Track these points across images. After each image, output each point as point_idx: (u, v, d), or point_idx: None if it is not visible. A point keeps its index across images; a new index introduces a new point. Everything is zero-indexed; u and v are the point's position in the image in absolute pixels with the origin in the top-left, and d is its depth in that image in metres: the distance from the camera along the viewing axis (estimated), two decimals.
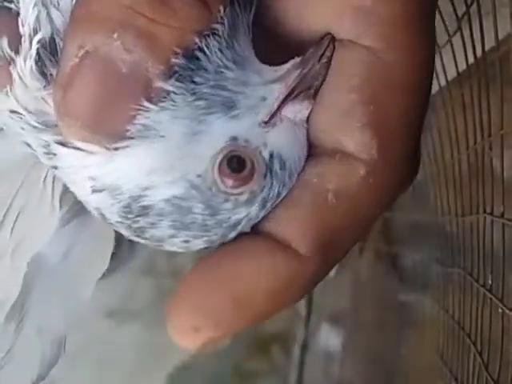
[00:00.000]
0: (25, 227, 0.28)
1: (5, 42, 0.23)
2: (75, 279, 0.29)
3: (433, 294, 0.64)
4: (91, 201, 0.25)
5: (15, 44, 0.23)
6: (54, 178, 0.27)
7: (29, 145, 0.25)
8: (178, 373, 0.70)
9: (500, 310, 0.40)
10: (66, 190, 0.27)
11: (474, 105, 0.45)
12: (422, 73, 0.24)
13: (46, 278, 0.29)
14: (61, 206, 0.28)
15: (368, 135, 0.24)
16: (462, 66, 0.47)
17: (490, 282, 0.45)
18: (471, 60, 0.44)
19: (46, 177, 0.27)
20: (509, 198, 0.41)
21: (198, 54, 0.22)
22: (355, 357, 0.66)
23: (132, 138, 0.23)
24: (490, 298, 0.44)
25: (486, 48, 0.42)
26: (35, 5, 0.22)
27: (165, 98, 0.22)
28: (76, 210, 0.28)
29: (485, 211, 0.45)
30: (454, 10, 0.44)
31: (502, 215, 0.42)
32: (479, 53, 0.43)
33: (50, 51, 0.23)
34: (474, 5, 0.42)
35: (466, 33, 0.43)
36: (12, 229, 0.28)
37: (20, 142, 0.25)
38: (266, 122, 0.24)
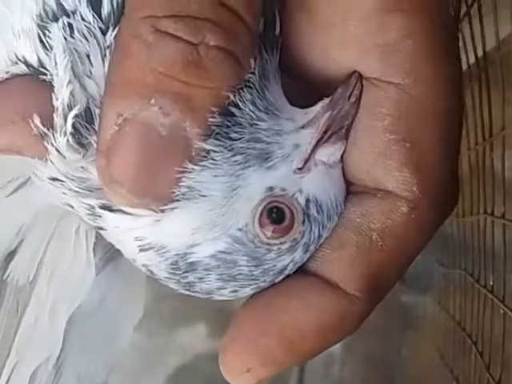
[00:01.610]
0: (60, 282, 0.28)
1: (37, 119, 0.23)
2: (112, 326, 0.30)
3: (434, 295, 0.65)
4: (139, 259, 0.25)
5: (48, 119, 0.23)
6: (85, 231, 0.28)
7: (72, 206, 0.25)
8: (177, 374, 0.71)
9: (501, 311, 0.40)
10: (98, 238, 0.27)
11: (475, 105, 0.45)
12: (452, 102, 0.25)
13: (83, 326, 0.29)
14: (94, 254, 0.28)
15: (407, 173, 0.24)
16: (463, 67, 0.47)
17: (491, 282, 0.46)
18: (472, 60, 0.44)
19: (78, 228, 0.28)
20: (510, 199, 0.42)
21: (233, 109, 0.23)
22: (356, 358, 0.66)
23: (178, 199, 0.23)
24: (492, 299, 0.44)
25: (487, 48, 0.43)
26: (69, 82, 0.23)
27: (205, 157, 0.23)
28: (108, 256, 0.29)
29: (485, 212, 0.46)
30: (454, 10, 0.44)
31: (503, 216, 0.43)
32: (480, 53, 0.43)
33: (86, 120, 0.23)
34: (475, 5, 0.42)
35: (467, 33, 0.43)
36: (48, 283, 0.28)
37: (62, 203, 0.25)
38: (300, 169, 0.25)
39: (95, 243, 0.28)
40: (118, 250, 0.26)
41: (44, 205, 0.27)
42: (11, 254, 0.28)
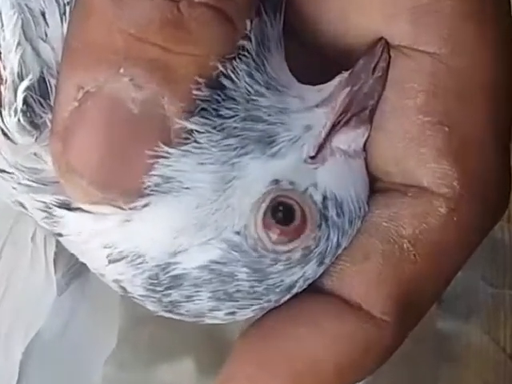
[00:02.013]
0: (15, 304, 0.28)
1: None
2: (78, 359, 0.30)
3: (479, 321, 0.64)
4: (109, 272, 0.25)
5: None
6: (44, 239, 0.28)
7: (24, 206, 0.25)
8: None
9: None
10: (59, 248, 0.28)
11: None
12: (501, 74, 0.25)
13: (43, 357, 0.29)
14: (55, 271, 0.28)
15: (446, 164, 0.24)
16: None
17: None
18: None
19: (34, 235, 0.28)
20: None
21: (224, 81, 0.23)
22: None
23: (151, 193, 0.23)
24: None
25: None
26: (19, 45, 0.23)
27: (187, 139, 0.23)
28: (73, 271, 0.29)
29: None
30: None
31: None
32: None
33: (40, 94, 0.23)
34: None
35: None
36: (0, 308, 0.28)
37: (12, 201, 0.25)
38: (313, 157, 0.25)
39: (56, 255, 0.28)
40: (84, 264, 0.26)
41: None
42: None
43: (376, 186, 0.26)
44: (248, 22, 0.23)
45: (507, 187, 0.26)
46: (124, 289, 0.26)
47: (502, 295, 0.55)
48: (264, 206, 0.24)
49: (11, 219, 0.28)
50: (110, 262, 0.25)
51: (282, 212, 0.24)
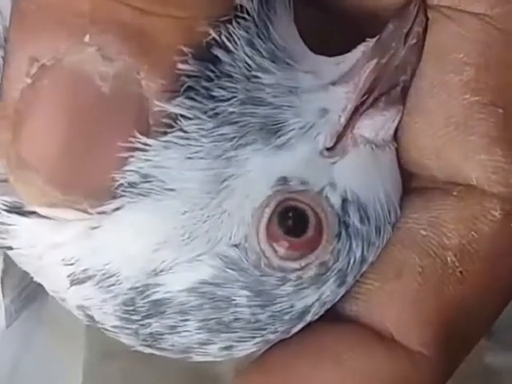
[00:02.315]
0: None
1: None
2: None
3: None
4: (71, 297, 0.25)
5: None
6: None
7: None
8: None
9: None
10: (7, 267, 0.28)
11: None
12: None
13: None
14: (3, 294, 0.28)
15: (500, 155, 0.24)
16: None
17: None
18: None
19: None
20: None
21: (217, 52, 0.23)
22: None
23: (125, 194, 0.23)
24: None
25: None
26: None
27: (171, 127, 0.23)
28: (26, 296, 0.29)
29: None
30: None
31: None
32: None
33: None
34: None
35: None
36: None
37: None
38: (330, 149, 0.24)
39: (3, 274, 0.28)
40: (40, 285, 0.26)
41: None
42: None
43: (411, 184, 0.26)
44: None
45: None
46: (91, 317, 0.25)
47: None
48: (268, 211, 0.24)
49: None
50: (73, 283, 0.25)
51: (292, 219, 0.24)
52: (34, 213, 0.24)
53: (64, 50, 0.21)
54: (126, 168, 0.22)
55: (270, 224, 0.24)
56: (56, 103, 0.22)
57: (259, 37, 0.24)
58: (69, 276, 0.24)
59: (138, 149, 0.22)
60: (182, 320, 0.25)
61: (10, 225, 0.25)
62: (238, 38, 0.23)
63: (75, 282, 0.24)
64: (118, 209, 0.23)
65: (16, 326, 0.29)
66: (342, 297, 0.25)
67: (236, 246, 0.24)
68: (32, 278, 0.26)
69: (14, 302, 0.29)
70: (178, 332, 0.25)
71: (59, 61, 0.21)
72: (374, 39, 0.25)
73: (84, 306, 0.25)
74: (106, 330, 0.26)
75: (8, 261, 0.27)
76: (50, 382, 0.31)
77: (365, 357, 0.25)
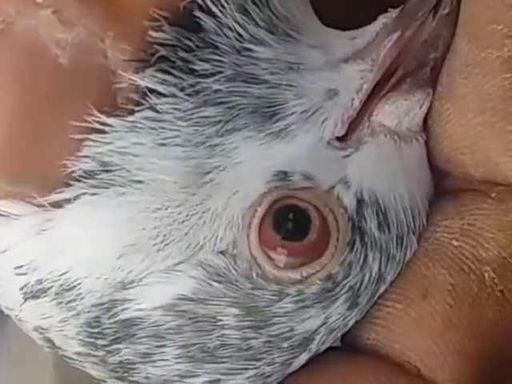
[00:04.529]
0: None
1: None
2: None
3: None
4: (26, 316, 0.22)
5: None
6: None
7: None
8: None
9: None
10: None
11: None
12: None
13: None
14: None
15: None
16: None
17: None
18: None
19: None
20: None
21: (200, 16, 0.20)
22: None
23: (82, 185, 0.20)
24: None
25: None
26: None
27: (139, 104, 0.20)
28: None
29: None
30: None
31: None
32: None
33: None
34: None
35: None
36: None
37: None
38: (341, 139, 0.21)
39: None
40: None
41: None
42: None
43: (443, 184, 0.23)
44: None
45: None
46: (51, 342, 0.22)
47: None
48: (261, 211, 0.20)
49: None
50: (27, 296, 0.21)
51: (291, 221, 0.21)
52: None
53: (14, 12, 0.19)
54: (82, 153, 0.19)
55: (263, 226, 0.20)
56: (3, 76, 0.19)
57: (254, 2, 0.20)
58: (22, 288, 0.21)
59: (96, 130, 0.19)
60: (157, 346, 0.21)
61: None
62: (227, 1, 0.20)
63: (29, 295, 0.21)
64: (71, 200, 0.20)
65: None
66: (356, 323, 0.22)
67: (222, 252, 0.20)
68: None
69: None
70: (153, 361, 0.21)
71: (9, 25, 0.19)
72: (398, 9, 0.21)
73: (42, 327, 0.22)
74: (69, 358, 0.22)
75: None
76: None
77: None
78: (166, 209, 0.20)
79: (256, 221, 0.20)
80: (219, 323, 0.21)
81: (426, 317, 0.21)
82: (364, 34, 0.21)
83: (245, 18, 0.20)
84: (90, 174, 0.19)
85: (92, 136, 0.19)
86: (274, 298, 0.21)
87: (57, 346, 0.22)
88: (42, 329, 0.22)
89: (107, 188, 0.20)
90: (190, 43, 0.20)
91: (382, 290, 0.21)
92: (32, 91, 0.19)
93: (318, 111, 0.21)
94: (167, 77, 0.20)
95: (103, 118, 0.19)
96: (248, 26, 0.20)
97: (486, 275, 0.21)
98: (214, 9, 0.20)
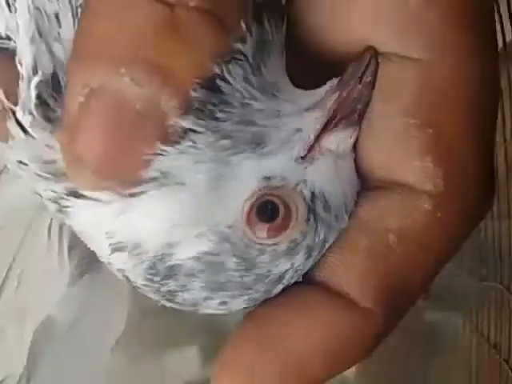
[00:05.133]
0: (30, 288, 0.29)
1: (1, 93, 0.23)
2: (88, 346, 0.30)
3: (464, 313, 0.65)
4: (114, 262, 0.25)
5: (13, 91, 0.23)
6: (60, 228, 0.28)
7: (41, 196, 0.25)
8: None
9: None
10: (74, 240, 0.28)
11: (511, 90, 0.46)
12: (483, 82, 0.25)
13: (56, 347, 0.30)
14: (70, 260, 0.29)
15: (430, 162, 0.24)
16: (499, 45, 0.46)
17: None
18: (509, 38, 0.44)
19: (50, 227, 0.28)
20: None
21: (220, 83, 0.23)
22: None
23: (149, 186, 0.23)
24: None
25: None
26: (32, 41, 0.23)
27: (183, 138, 0.23)
28: (86, 263, 0.29)
29: None
30: None
31: None
32: None
33: (53, 89, 0.23)
34: None
35: (504, 8, 0.43)
36: (15, 290, 0.28)
37: (32, 192, 0.25)
38: (303, 157, 0.24)
39: (70, 245, 0.28)
40: (95, 254, 0.26)
41: (16, 201, 0.27)
42: None
43: (364, 185, 0.25)
44: (243, 25, 0.23)
45: (490, 188, 0.26)
46: (127, 278, 0.25)
47: (486, 288, 0.55)
48: (249, 203, 0.24)
49: (31, 212, 0.28)
50: (113, 250, 0.25)
51: (266, 210, 0.24)
52: (84, 196, 0.24)
53: (107, 77, 0.21)
54: (151, 167, 0.22)
55: (251, 212, 0.24)
56: (101, 116, 0.22)
57: (253, 74, 0.23)
58: (110, 245, 0.24)
59: (158, 154, 0.22)
60: (189, 281, 0.25)
61: (68, 206, 0.25)
62: (236, 74, 0.23)
63: (114, 250, 0.25)
64: (142, 193, 0.23)
65: (78, 287, 0.29)
66: (313, 266, 0.25)
67: (229, 227, 0.24)
68: (90, 252, 0.26)
69: (77, 267, 0.29)
70: (187, 290, 0.25)
71: (103, 86, 0.21)
72: (338, 78, 0.25)
73: (122, 269, 0.25)
74: (138, 287, 0.26)
75: (74, 236, 0.27)
76: (99, 331, 0.31)
77: (328, 309, 0.24)
78: (198, 200, 0.24)
79: (246, 209, 0.24)
80: (225, 267, 0.24)
81: (354, 264, 0.25)
82: (318, 93, 0.25)
83: (247, 84, 0.23)
84: (154, 178, 0.23)
85: (156, 156, 0.22)
86: (257, 253, 0.24)
87: (131, 280, 0.25)
88: (122, 270, 0.25)
89: (164, 186, 0.23)
90: (214, 100, 0.23)
91: (326, 246, 0.25)
92: (118, 126, 0.22)
93: (290, 142, 0.24)
94: (199, 121, 0.23)
95: (162, 146, 0.22)
96: (249, 89, 0.23)
97: (391, 239, 0.25)
98: (228, 78, 0.23)
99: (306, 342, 0.24)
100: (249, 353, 0.24)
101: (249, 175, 0.24)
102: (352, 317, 0.24)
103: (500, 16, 0.41)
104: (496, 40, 0.26)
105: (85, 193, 0.24)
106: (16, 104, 0.23)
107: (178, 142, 0.22)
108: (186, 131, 0.22)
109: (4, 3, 0.23)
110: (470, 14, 0.24)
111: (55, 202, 0.25)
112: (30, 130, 0.23)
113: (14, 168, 0.25)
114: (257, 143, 0.24)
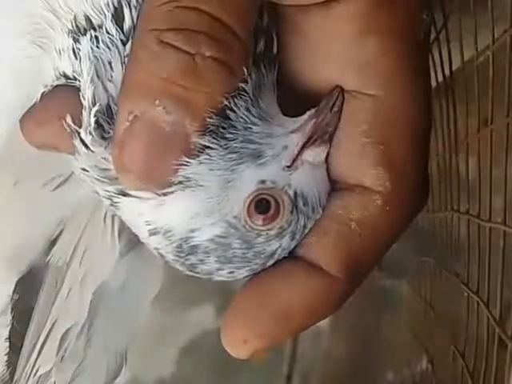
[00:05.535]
0: (91, 261, 0.28)
1: (69, 118, 0.23)
2: (133, 302, 0.30)
3: (408, 280, 0.64)
4: (151, 242, 0.25)
5: (78, 118, 0.23)
6: (112, 217, 0.28)
7: (98, 194, 0.25)
8: (188, 347, 0.71)
9: (465, 294, 0.39)
10: (122, 226, 0.28)
11: (442, 117, 0.45)
12: (421, 111, 0.24)
13: (109, 302, 0.30)
14: (120, 241, 0.28)
15: (381, 171, 0.24)
16: (433, 83, 0.46)
17: (456, 269, 0.45)
18: (440, 78, 0.44)
19: (105, 217, 0.28)
20: (473, 197, 0.41)
21: (229, 113, 0.22)
22: (341, 332, 0.68)
23: (177, 187, 0.23)
24: (458, 283, 0.43)
25: (453, 68, 0.42)
26: (92, 81, 0.23)
27: (201, 152, 0.22)
28: (132, 243, 0.29)
29: (452, 209, 0.46)
30: (425, 34, 0.43)
31: (467, 212, 0.42)
32: (447, 72, 0.43)
33: (107, 116, 0.23)
34: (443, 31, 0.41)
35: (436, 55, 0.43)
36: (80, 262, 0.28)
37: (92, 191, 0.25)
38: (288, 166, 0.24)
39: (120, 230, 0.28)
40: (137, 236, 0.26)
41: (81, 198, 0.27)
42: (53, 242, 0.29)
43: (334, 186, 0.25)
44: (245, 70, 0.22)
45: (426, 189, 0.25)
46: (161, 255, 0.25)
47: (423, 262, 0.55)
48: (249, 200, 0.24)
49: (91, 208, 0.28)
50: (150, 234, 0.24)
51: (261, 205, 0.24)
52: (129, 194, 0.24)
53: (145, 107, 0.21)
54: (178, 174, 0.22)
55: (250, 206, 0.23)
56: (141, 136, 0.21)
57: (253, 105, 0.23)
58: (148, 231, 0.24)
59: (183, 164, 0.22)
60: (205, 257, 0.24)
61: (118, 202, 0.24)
62: (240, 106, 0.23)
63: (151, 234, 0.24)
64: (172, 192, 0.23)
65: (126, 260, 0.29)
66: (295, 246, 0.25)
67: (234, 217, 0.24)
68: (134, 235, 0.26)
69: (126, 246, 0.29)
70: (204, 263, 0.24)
71: (143, 114, 0.21)
72: (315, 108, 0.24)
73: (157, 247, 0.25)
74: (169, 262, 0.25)
75: (122, 223, 0.27)
76: (140, 292, 0.31)
77: (306, 277, 0.24)
78: (212, 197, 0.23)
79: (247, 204, 0.23)
80: (232, 246, 0.24)
81: (326, 244, 0.24)
82: (300, 120, 0.24)
83: (248, 113, 0.23)
84: (180, 182, 0.22)
85: (181, 166, 0.22)
86: (255, 236, 0.24)
87: (163, 256, 0.25)
88: (157, 248, 0.25)
89: (187, 188, 0.23)
90: (224, 125, 0.22)
91: (306, 231, 0.24)
92: (155, 143, 0.21)
93: (279, 156, 0.24)
94: (213, 140, 0.22)
95: (186, 158, 0.22)
96: (250, 117, 0.23)
97: (352, 226, 0.24)
98: (234, 108, 0.22)
99: (291, 301, 0.24)
100: (248, 308, 0.24)
101: (249, 180, 0.24)
102: (324, 283, 0.24)
103: (433, 62, 0.41)
104: (430, 80, 0.26)
105: (130, 192, 0.23)
106: (80, 127, 0.23)
107: (197, 156, 0.22)
108: (204, 147, 0.22)
109: (71, 53, 0.23)
110: (412, 63, 0.24)
111: (109, 198, 0.24)
112: (90, 146, 0.23)
113: (79, 173, 0.24)
114: (255, 156, 0.23)
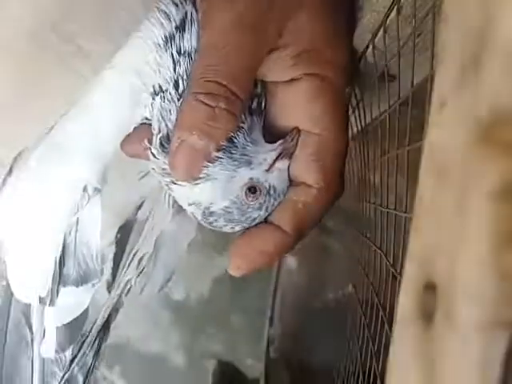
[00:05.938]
0: (157, 218, 0.30)
1: (146, 141, 0.24)
2: (177, 243, 0.32)
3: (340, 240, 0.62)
4: (188, 209, 0.25)
5: (151, 141, 0.24)
6: (169, 195, 0.29)
7: (161, 183, 0.25)
8: (219, 278, 0.68)
9: (373, 248, 0.35)
10: (173, 200, 0.29)
11: (361, 150, 0.42)
12: (343, 140, 0.24)
13: (165, 241, 0.31)
14: (172, 208, 0.30)
15: (319, 176, 0.23)
16: (353, 131, 0.43)
17: (369, 235, 0.41)
18: (355, 130, 0.41)
19: (165, 195, 0.29)
20: (377, 195, 0.38)
21: (234, 140, 0.23)
22: (303, 269, 0.66)
23: (202, 179, 0.23)
24: (370, 243, 0.39)
25: (366, 122, 0.39)
26: (158, 121, 0.23)
27: (217, 160, 0.23)
28: (178, 209, 0.30)
29: (367, 200, 0.43)
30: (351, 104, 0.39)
31: (374, 203, 0.39)
32: (361, 125, 0.39)
33: (166, 140, 0.23)
34: (360, 103, 0.38)
35: (354, 117, 0.40)
36: (152, 218, 0.30)
37: (158, 181, 0.25)
38: (267, 170, 0.24)
39: (173, 203, 0.29)
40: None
41: (153, 184, 0.28)
42: (139, 207, 0.30)
43: (291, 183, 0.24)
44: (243, 116, 0.23)
45: (342, 186, 0.25)
46: (194, 217, 0.25)
47: (352, 230, 0.51)
48: (245, 188, 0.24)
49: (158, 188, 0.29)
50: (189, 205, 0.24)
51: (253, 190, 0.24)
52: (177, 184, 0.24)
53: (187, 135, 0.21)
54: (203, 172, 0.23)
55: (245, 191, 0.24)
56: (184, 151, 0.22)
57: (248, 136, 0.23)
58: (187, 203, 0.24)
59: (205, 166, 0.23)
60: (218, 218, 0.24)
61: (172, 187, 0.24)
62: (241, 137, 0.23)
63: (189, 204, 0.24)
64: (200, 183, 0.23)
65: (175, 219, 0.30)
66: (268, 215, 0.24)
67: (236, 197, 0.24)
68: (180, 205, 0.26)
69: (177, 210, 0.30)
70: (217, 222, 0.24)
71: (186, 139, 0.21)
72: (283, 139, 0.24)
73: (192, 212, 0.25)
74: (199, 220, 0.25)
75: (174, 199, 0.27)
76: (183, 236, 0.31)
77: (270, 232, 0.24)
78: (223, 186, 0.23)
79: (244, 190, 0.24)
80: (233, 213, 0.24)
81: (283, 210, 0.24)
82: (275, 145, 0.24)
83: (245, 140, 0.23)
84: (204, 177, 0.23)
85: (205, 168, 0.23)
86: (246, 208, 0.24)
87: (196, 218, 0.25)
88: (192, 213, 0.25)
89: (208, 180, 0.23)
90: (230, 146, 0.23)
91: (274, 206, 0.24)
92: (191, 156, 0.22)
93: (262, 164, 0.24)
94: (224, 154, 0.23)
95: (207, 164, 0.22)
96: (246, 142, 0.23)
97: (300, 205, 0.23)
98: (237, 137, 0.23)
99: (264, 246, 0.23)
100: (240, 249, 0.24)
101: (244, 176, 0.24)
102: (282, 236, 0.24)
103: (355, 118, 0.39)
104: (348, 124, 0.25)
105: (178, 182, 0.24)
106: (151, 145, 0.24)
107: (214, 162, 0.23)
108: (218, 158, 0.23)
109: (150, 105, 0.24)
110: (341, 114, 0.24)
111: (166, 185, 0.25)
112: (156, 156, 0.24)
113: (152, 171, 0.25)
114: (248, 163, 0.23)
